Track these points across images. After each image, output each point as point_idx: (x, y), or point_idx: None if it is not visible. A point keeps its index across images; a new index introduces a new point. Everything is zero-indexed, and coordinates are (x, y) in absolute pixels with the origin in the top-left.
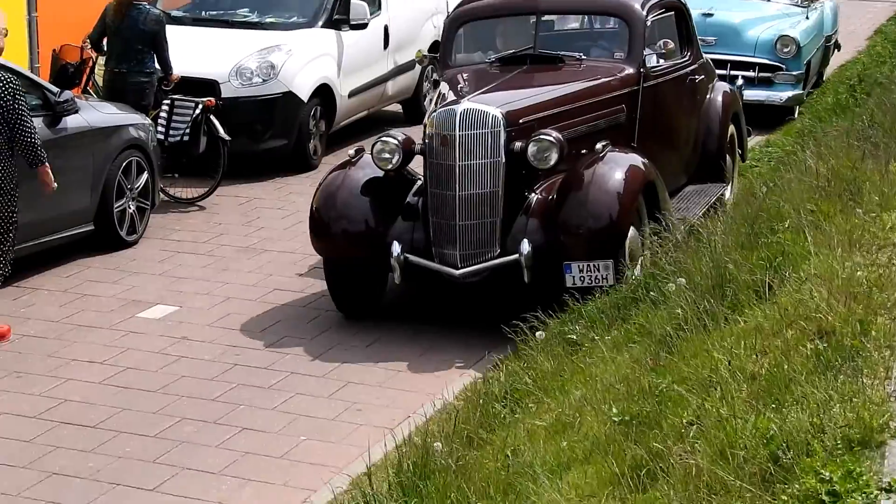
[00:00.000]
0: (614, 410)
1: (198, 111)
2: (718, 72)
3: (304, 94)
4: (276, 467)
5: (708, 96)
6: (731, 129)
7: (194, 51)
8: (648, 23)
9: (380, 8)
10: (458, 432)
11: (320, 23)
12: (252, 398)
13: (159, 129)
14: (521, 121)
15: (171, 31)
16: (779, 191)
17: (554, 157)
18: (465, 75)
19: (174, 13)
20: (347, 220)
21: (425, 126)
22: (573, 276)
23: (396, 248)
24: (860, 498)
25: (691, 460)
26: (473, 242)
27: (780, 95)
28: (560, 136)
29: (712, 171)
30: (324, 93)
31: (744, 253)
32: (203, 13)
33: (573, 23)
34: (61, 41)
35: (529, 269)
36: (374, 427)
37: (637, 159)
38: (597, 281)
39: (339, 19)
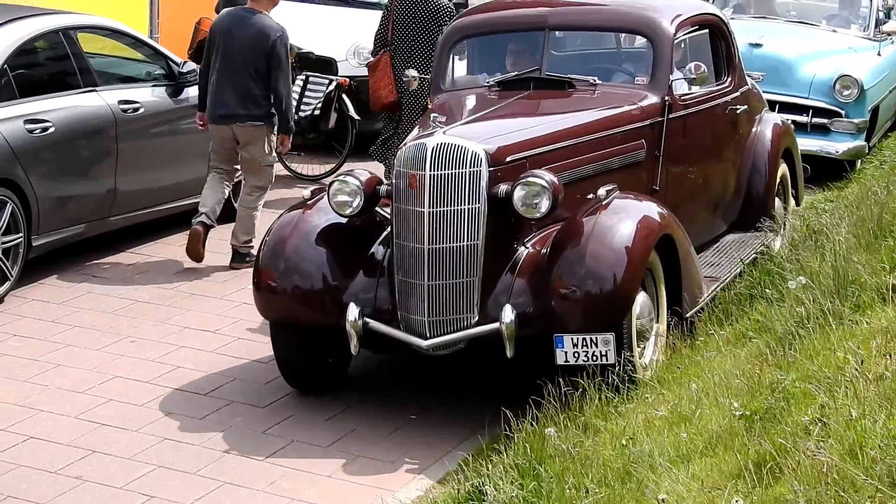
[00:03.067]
0: (735, 404)
1: (331, 88)
2: None
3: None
4: (387, 444)
5: (754, 129)
6: (783, 167)
7: (314, 28)
8: (677, 42)
9: None
10: (573, 419)
11: None
12: (360, 375)
13: None
14: (508, 159)
15: (293, 8)
16: None
17: (545, 204)
18: (456, 101)
19: None
20: (298, 276)
21: (393, 163)
22: (565, 352)
23: (353, 311)
24: None
25: (819, 457)
26: (446, 307)
27: (837, 147)
28: (555, 178)
29: (758, 217)
30: None
31: (866, 254)
32: None
33: (590, 41)
34: (184, 11)
35: (512, 342)
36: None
37: (651, 207)
38: (593, 359)
39: (458, 3)
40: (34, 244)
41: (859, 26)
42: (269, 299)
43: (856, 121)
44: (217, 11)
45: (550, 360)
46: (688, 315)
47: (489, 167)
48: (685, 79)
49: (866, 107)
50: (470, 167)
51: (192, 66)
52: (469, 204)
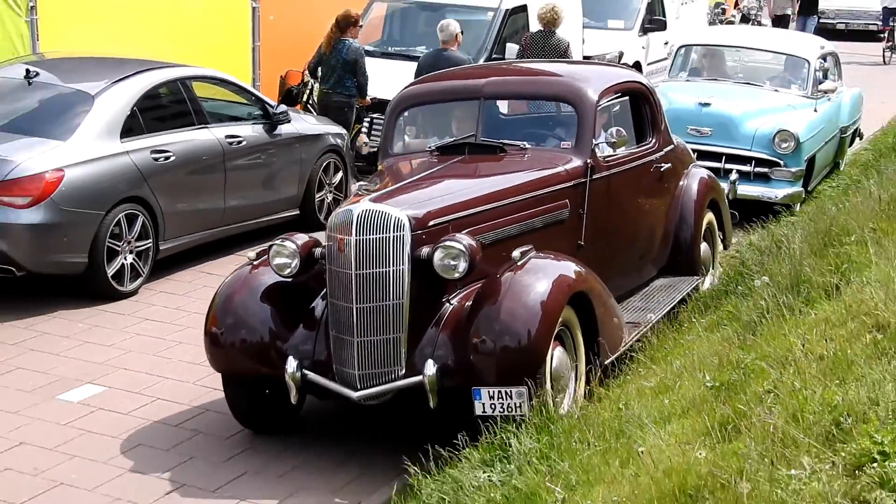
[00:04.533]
0: (707, 378)
1: None
2: (713, 165)
3: None
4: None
5: (681, 183)
6: (710, 216)
7: (381, 78)
8: (602, 109)
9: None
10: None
11: (482, 59)
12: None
13: (363, 140)
14: (431, 223)
15: (374, 63)
16: (846, 211)
17: (463, 266)
18: (399, 165)
19: (367, 47)
20: (244, 330)
21: (327, 228)
22: (482, 403)
23: (292, 363)
24: None
25: (769, 420)
26: (374, 361)
27: (776, 193)
28: (472, 241)
29: (686, 262)
30: None
31: (816, 259)
32: (389, 48)
33: (526, 108)
34: (278, 65)
35: (435, 393)
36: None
37: (567, 266)
38: (508, 410)
39: (496, 57)
40: (161, 248)
41: (799, 86)
42: (216, 352)
43: (793, 170)
44: (309, 68)
45: (471, 411)
46: (606, 362)
47: (412, 231)
48: (607, 142)
49: (803, 157)
50: (393, 232)
51: (283, 107)
52: (393, 266)
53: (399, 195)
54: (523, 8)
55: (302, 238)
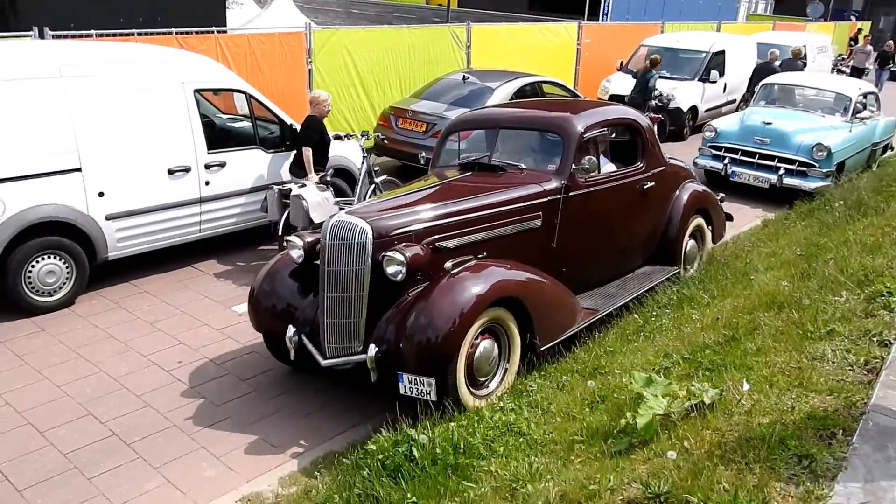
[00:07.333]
0: (798, 250)
1: None
2: (767, 163)
3: (685, 107)
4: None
5: (675, 194)
6: (699, 220)
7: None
8: (587, 139)
9: (722, 74)
10: (643, 303)
11: (696, 78)
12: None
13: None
14: (393, 233)
15: None
16: None
17: (402, 272)
18: (435, 174)
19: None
20: (272, 298)
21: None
22: (404, 386)
23: (290, 330)
24: None
25: (827, 270)
26: (338, 338)
27: (810, 185)
28: (418, 251)
29: (668, 254)
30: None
31: (874, 194)
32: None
33: (534, 135)
34: (589, 76)
35: (375, 371)
36: None
37: (496, 273)
38: (421, 395)
39: (704, 78)
40: None
41: (841, 114)
42: (253, 317)
43: (824, 171)
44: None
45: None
46: (543, 349)
47: (375, 239)
48: (581, 168)
49: (833, 163)
50: (359, 239)
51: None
52: (356, 266)
53: (374, 208)
54: (722, 52)
55: (310, 236)
